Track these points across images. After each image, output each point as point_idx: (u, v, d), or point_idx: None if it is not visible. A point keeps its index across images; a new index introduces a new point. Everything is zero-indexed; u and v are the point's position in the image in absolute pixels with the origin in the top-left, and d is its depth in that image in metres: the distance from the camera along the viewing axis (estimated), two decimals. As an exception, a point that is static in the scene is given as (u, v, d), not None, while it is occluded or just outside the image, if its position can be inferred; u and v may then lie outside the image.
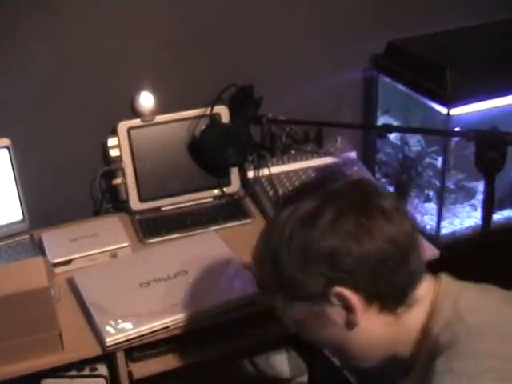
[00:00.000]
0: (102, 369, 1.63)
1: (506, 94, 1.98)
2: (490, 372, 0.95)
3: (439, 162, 2.07)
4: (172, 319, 1.55)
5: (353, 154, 2.14)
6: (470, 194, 2.17)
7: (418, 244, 1.08)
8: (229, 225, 1.93)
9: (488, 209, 1.63)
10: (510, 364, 0.96)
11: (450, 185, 2.12)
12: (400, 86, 2.11)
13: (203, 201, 2.02)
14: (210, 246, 1.79)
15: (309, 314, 1.08)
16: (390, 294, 1.06)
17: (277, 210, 1.12)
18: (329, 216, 1.04)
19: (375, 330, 1.08)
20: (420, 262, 1.08)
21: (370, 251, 1.03)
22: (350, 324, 1.07)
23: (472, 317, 1.03)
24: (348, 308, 1.05)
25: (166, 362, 1.64)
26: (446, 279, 1.12)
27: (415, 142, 2.18)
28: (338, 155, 2.12)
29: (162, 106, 1.97)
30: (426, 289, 1.09)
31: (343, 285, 1.03)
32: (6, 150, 1.80)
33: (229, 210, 1.98)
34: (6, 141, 1.79)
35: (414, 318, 1.08)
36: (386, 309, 1.07)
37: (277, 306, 1.12)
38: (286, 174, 2.05)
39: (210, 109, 1.97)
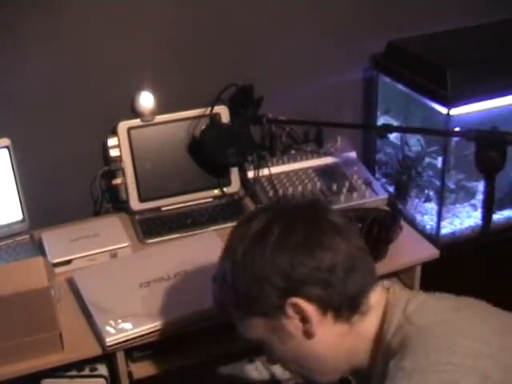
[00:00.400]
0: (102, 369, 1.63)
1: (506, 94, 1.98)
2: (445, 365, 0.98)
3: (439, 161, 2.07)
4: (172, 319, 1.55)
5: (353, 154, 2.14)
6: (470, 194, 2.17)
7: (367, 255, 1.14)
8: (229, 225, 1.92)
9: (488, 209, 1.63)
10: (460, 357, 0.98)
11: (450, 185, 2.12)
12: (400, 86, 2.11)
13: (203, 201, 2.02)
14: (209, 245, 1.78)
15: (267, 328, 1.12)
16: (344, 303, 1.09)
17: (232, 229, 1.19)
18: (278, 230, 1.08)
19: (333, 340, 1.11)
20: (371, 271, 1.14)
21: (322, 262, 1.06)
22: (308, 335, 1.10)
23: (421, 319, 1.07)
24: (304, 319, 1.09)
25: (167, 362, 1.64)
26: (396, 287, 1.17)
27: (415, 141, 2.18)
28: (338, 155, 2.12)
29: (162, 106, 1.97)
30: (378, 297, 1.13)
31: (297, 296, 1.07)
32: (5, 150, 1.80)
33: (229, 210, 1.98)
34: (6, 141, 1.79)
35: (367, 326, 1.12)
36: (341, 317, 1.10)
37: (237, 324, 1.16)
38: (286, 173, 2.06)
39: (210, 109, 1.97)
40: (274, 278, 1.07)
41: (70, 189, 1.99)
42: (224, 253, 1.16)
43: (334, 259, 1.07)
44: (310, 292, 1.07)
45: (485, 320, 1.09)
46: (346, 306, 1.09)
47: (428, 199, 2.16)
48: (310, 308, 1.07)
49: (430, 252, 1.84)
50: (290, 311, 1.08)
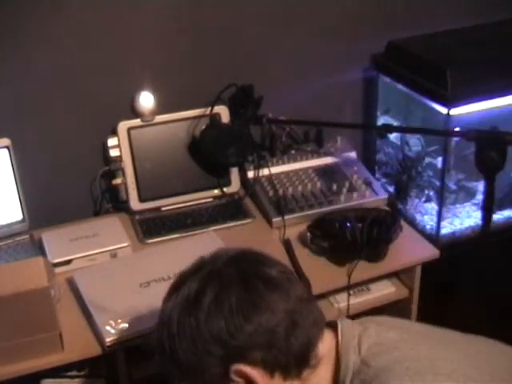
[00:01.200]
0: (102, 369, 1.63)
1: (506, 94, 1.98)
2: None
3: (439, 161, 2.07)
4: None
5: (353, 154, 2.14)
6: (470, 194, 2.17)
7: (311, 303, 1.08)
8: (229, 225, 1.93)
9: (488, 209, 1.63)
10: None
11: (450, 185, 2.12)
12: (400, 86, 2.11)
13: (203, 201, 2.02)
14: (209, 245, 1.78)
15: None
16: (291, 362, 1.03)
17: (163, 301, 1.13)
18: (210, 296, 1.03)
19: None
20: (316, 321, 1.07)
21: (260, 325, 1.01)
22: None
23: (377, 359, 1.02)
24: (251, 382, 1.03)
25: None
26: (343, 325, 1.10)
27: (415, 141, 2.18)
28: (338, 155, 2.12)
29: (162, 106, 1.97)
30: (327, 345, 1.08)
31: (240, 362, 1.02)
32: (5, 150, 1.80)
33: (229, 210, 1.98)
34: (6, 141, 1.79)
35: (320, 377, 1.07)
36: (290, 376, 1.04)
37: None
38: (286, 173, 2.05)
39: (210, 109, 1.97)
40: (212, 347, 1.02)
41: (70, 189, 1.99)
42: (159, 324, 1.11)
43: (272, 320, 1.01)
44: (252, 357, 1.01)
45: (439, 347, 1.06)
46: (293, 365, 1.04)
47: (428, 199, 2.16)
48: (254, 373, 1.02)
49: (429, 252, 1.84)
50: (235, 378, 1.03)
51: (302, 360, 1.04)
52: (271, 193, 1.98)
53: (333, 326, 1.11)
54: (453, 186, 2.13)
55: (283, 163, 2.08)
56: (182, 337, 1.04)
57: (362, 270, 1.74)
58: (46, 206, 1.95)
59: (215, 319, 1.02)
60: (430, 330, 1.14)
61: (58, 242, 1.80)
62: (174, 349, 1.05)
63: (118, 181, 1.95)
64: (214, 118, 1.96)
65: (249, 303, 1.02)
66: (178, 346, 1.05)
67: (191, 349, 1.04)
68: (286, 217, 1.89)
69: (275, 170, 2.05)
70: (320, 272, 1.73)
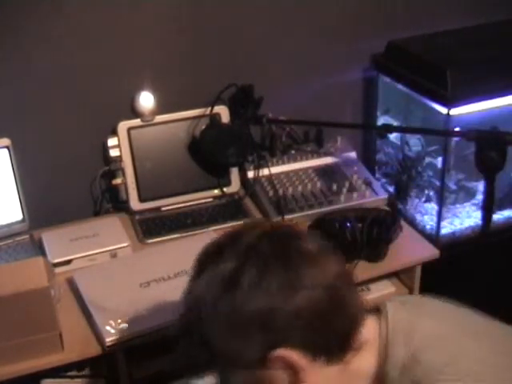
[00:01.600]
0: (102, 369, 1.63)
1: (506, 94, 1.98)
2: None
3: (439, 161, 2.07)
4: (172, 319, 1.54)
5: (353, 154, 2.14)
6: (470, 194, 2.17)
7: (352, 282, 1.03)
8: (229, 225, 1.92)
9: (488, 209, 1.63)
10: None
11: (450, 185, 2.12)
12: (400, 86, 2.11)
13: (203, 201, 2.02)
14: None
15: (255, 380, 0.99)
16: (334, 344, 0.98)
17: (190, 280, 1.05)
18: (250, 274, 0.95)
19: (327, 382, 1.00)
20: (358, 302, 1.01)
21: (302, 304, 0.94)
22: (300, 382, 0.97)
23: (428, 354, 0.96)
24: (291, 368, 0.96)
25: (166, 362, 1.63)
26: (392, 311, 1.03)
27: (415, 141, 2.18)
28: (338, 155, 2.12)
29: (162, 106, 1.97)
30: (372, 328, 1.02)
31: (281, 346, 0.95)
32: (5, 150, 1.80)
33: (229, 210, 1.98)
34: (6, 141, 1.79)
35: (365, 361, 1.01)
36: (333, 359, 0.98)
37: (219, 377, 1.04)
38: (286, 173, 2.05)
39: (210, 109, 1.97)
40: (250, 330, 0.94)
41: (70, 189, 1.99)
42: (188, 306, 1.02)
43: (314, 300, 0.95)
44: (292, 339, 0.95)
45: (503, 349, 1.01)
46: (336, 347, 0.98)
47: (428, 199, 2.16)
48: (295, 357, 0.95)
49: (429, 252, 1.84)
50: (274, 363, 0.96)
51: (344, 342, 0.98)
52: (271, 193, 1.98)
53: (377, 311, 1.04)
54: (453, 186, 2.13)
55: (283, 163, 2.08)
56: (216, 319, 0.96)
57: (362, 269, 1.74)
58: (46, 206, 1.94)
59: (254, 300, 0.94)
60: (491, 325, 1.07)
61: (58, 242, 1.80)
62: (207, 333, 0.97)
63: (117, 181, 1.95)
64: (214, 118, 1.96)
65: (289, 281, 0.95)
66: (212, 330, 0.97)
67: (227, 332, 0.96)
68: (286, 217, 1.89)
69: (275, 169, 2.05)
70: (320, 272, 1.73)
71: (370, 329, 1.01)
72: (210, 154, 1.94)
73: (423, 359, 0.96)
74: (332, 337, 0.97)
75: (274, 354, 0.95)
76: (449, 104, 1.91)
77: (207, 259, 1.02)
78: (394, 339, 1.00)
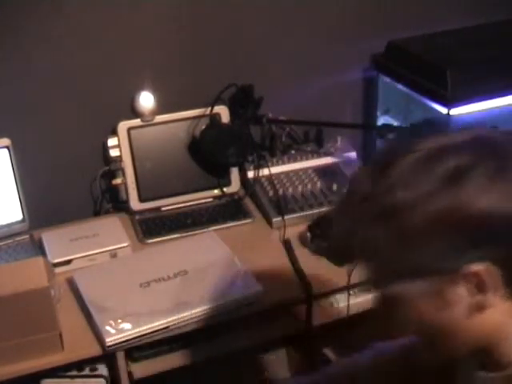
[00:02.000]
0: (102, 369, 1.63)
1: (506, 94, 1.97)
2: None
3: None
4: (172, 319, 1.55)
5: (353, 154, 2.14)
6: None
7: None
8: (229, 225, 1.93)
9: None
10: None
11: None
12: (400, 86, 2.11)
13: (203, 201, 2.02)
14: (209, 245, 1.79)
15: (424, 292, 0.86)
16: None
17: (392, 154, 0.87)
18: (486, 172, 0.81)
19: (499, 319, 0.87)
20: None
21: None
22: (480, 308, 0.85)
23: None
24: (480, 288, 0.83)
25: (166, 362, 1.64)
26: None
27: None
28: (338, 155, 2.12)
29: (162, 106, 1.97)
30: None
31: (483, 260, 0.81)
32: (5, 150, 1.80)
33: (229, 210, 1.98)
34: (6, 141, 1.79)
35: None
36: None
37: (378, 283, 0.91)
38: (286, 173, 2.05)
39: (210, 109, 1.97)
40: (462, 233, 0.81)
41: (70, 189, 1.99)
42: (390, 179, 0.84)
43: None
44: (500, 253, 0.81)
45: None
46: None
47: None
48: (497, 276, 0.82)
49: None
50: (466, 277, 0.82)
51: None
52: (271, 193, 1.98)
53: None
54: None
55: (283, 163, 2.08)
56: (426, 213, 0.81)
57: (362, 270, 1.73)
58: (46, 206, 1.94)
59: (483, 200, 0.80)
60: None
61: (58, 242, 1.80)
62: (411, 218, 0.82)
63: (117, 181, 1.95)
64: (214, 118, 1.96)
65: None
66: (420, 217, 0.82)
67: (432, 231, 0.81)
68: (286, 217, 1.89)
69: (275, 169, 2.05)
70: (320, 272, 1.73)
71: None
72: (210, 154, 1.94)
73: None
74: None
75: (472, 267, 0.82)
76: (449, 104, 1.91)
77: (433, 154, 0.85)
78: None
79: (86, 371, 1.63)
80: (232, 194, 2.04)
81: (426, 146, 0.85)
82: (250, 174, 2.03)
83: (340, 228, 0.92)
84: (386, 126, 2.00)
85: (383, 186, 0.85)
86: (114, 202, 2.03)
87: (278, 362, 1.99)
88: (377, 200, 0.85)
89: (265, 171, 2.03)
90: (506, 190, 0.81)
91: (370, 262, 0.90)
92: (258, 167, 2.03)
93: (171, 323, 1.54)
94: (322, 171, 2.07)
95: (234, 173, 2.04)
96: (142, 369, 1.62)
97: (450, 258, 0.82)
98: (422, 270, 0.84)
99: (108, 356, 1.56)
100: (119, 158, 1.93)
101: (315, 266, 1.75)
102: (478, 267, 0.82)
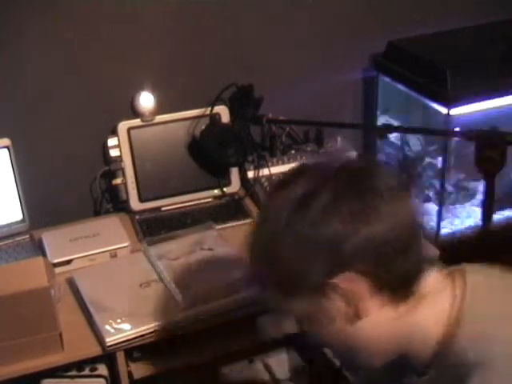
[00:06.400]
0: (102, 369, 1.63)
1: (506, 94, 1.98)
2: None
3: (439, 161, 2.07)
4: (172, 319, 1.55)
5: (353, 154, 2.14)
6: (470, 194, 2.17)
7: (419, 229, 0.99)
8: (229, 225, 1.93)
9: (488, 209, 1.63)
10: None
11: (450, 185, 2.12)
12: (400, 86, 2.11)
13: (203, 201, 2.02)
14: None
15: (313, 307, 0.97)
16: (397, 282, 0.96)
17: (268, 196, 1.04)
18: (328, 194, 0.94)
19: (384, 323, 0.98)
20: (423, 250, 0.99)
21: (378, 232, 0.92)
22: (358, 315, 0.96)
23: (506, 328, 0.93)
24: (354, 298, 0.95)
25: (166, 362, 1.64)
26: (471, 275, 1.01)
27: (415, 141, 2.18)
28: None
29: (162, 106, 1.97)
30: (438, 284, 1.00)
31: (349, 270, 0.93)
32: (6, 150, 1.80)
33: (229, 210, 1.98)
34: (6, 141, 1.79)
35: (427, 315, 0.98)
36: (396, 298, 0.96)
37: (275, 303, 1.02)
38: (286, 174, 2.05)
39: (210, 109, 1.97)
40: (321, 252, 0.93)
41: (70, 189, 1.99)
42: (262, 219, 1.01)
43: (390, 230, 0.93)
44: (361, 267, 0.93)
45: None
46: (399, 286, 0.96)
47: (428, 199, 2.16)
48: (360, 286, 0.94)
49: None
50: (338, 289, 0.94)
51: (408, 284, 0.96)
52: (271, 193, 1.98)
53: (456, 270, 1.02)
54: (453, 186, 2.13)
55: (283, 163, 2.08)
56: (290, 234, 0.95)
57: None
58: (46, 206, 1.95)
59: (328, 223, 0.92)
60: None
61: (58, 242, 1.80)
62: (279, 248, 0.96)
63: (117, 181, 1.95)
64: (214, 118, 1.96)
65: (371, 207, 0.93)
66: (284, 245, 0.95)
67: (299, 249, 0.94)
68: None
69: (275, 170, 2.04)
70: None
71: (436, 284, 0.99)
72: (209, 154, 1.94)
73: (501, 335, 0.93)
74: (395, 275, 0.95)
75: (336, 279, 0.93)
76: (449, 104, 1.91)
77: (279, 185, 1.01)
78: (470, 307, 0.96)
79: (86, 371, 1.63)
80: (232, 194, 2.04)
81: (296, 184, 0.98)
82: (250, 174, 2.03)
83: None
84: (386, 126, 2.00)
85: (259, 221, 1.02)
86: (114, 202, 2.03)
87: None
88: (255, 236, 1.01)
89: (265, 171, 2.03)
90: (343, 216, 0.93)
91: (267, 289, 1.01)
92: (257, 167, 2.03)
93: (171, 323, 1.54)
94: (322, 171, 2.07)
95: (234, 173, 2.04)
96: (141, 369, 1.62)
97: (318, 275, 0.94)
98: (301, 286, 0.96)
99: (108, 356, 1.56)
100: (119, 158, 1.93)
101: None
102: (343, 278, 0.93)
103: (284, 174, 1.03)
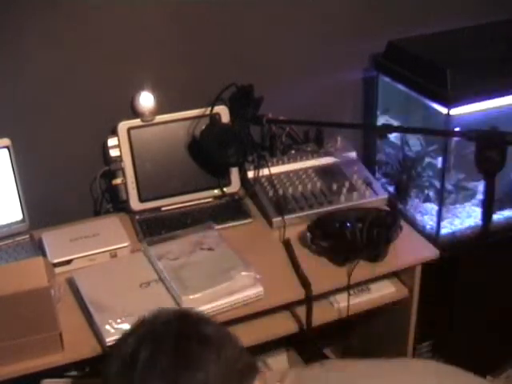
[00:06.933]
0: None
1: (506, 94, 1.97)
2: None
3: (439, 161, 2.07)
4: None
5: (353, 154, 2.14)
6: (470, 194, 2.17)
7: (244, 362, 1.12)
8: (229, 225, 1.93)
9: (488, 209, 1.63)
10: None
11: (450, 185, 2.12)
12: (400, 86, 2.11)
13: (203, 201, 2.02)
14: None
15: None
16: None
17: (110, 354, 1.18)
18: (145, 355, 1.05)
19: None
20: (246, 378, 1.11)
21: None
22: None
23: None
24: None
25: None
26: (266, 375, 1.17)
27: (415, 141, 2.18)
28: (338, 155, 2.12)
29: (162, 106, 1.97)
30: None
31: None
32: (6, 150, 1.80)
33: (229, 210, 1.98)
34: (6, 141, 1.79)
35: None
36: None
37: None
38: (286, 174, 2.05)
39: (210, 109, 1.97)
40: None
41: (69, 189, 1.99)
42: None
43: (204, 380, 1.05)
44: None
45: None
46: None
47: (428, 199, 2.16)
48: None
49: (429, 252, 1.84)
50: None
51: None
52: (271, 193, 1.98)
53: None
54: (453, 186, 2.13)
55: (283, 163, 2.08)
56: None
57: (362, 269, 1.74)
58: (46, 206, 1.95)
59: (149, 379, 1.05)
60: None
61: (58, 242, 1.80)
62: None
63: (117, 181, 1.95)
64: (214, 118, 1.96)
65: (181, 363, 1.05)
66: None
67: None
68: (286, 217, 1.89)
69: (275, 169, 2.05)
70: (320, 272, 1.73)
71: None
72: (209, 154, 1.94)
73: None
74: None
75: None
76: (449, 104, 1.91)
77: (119, 339, 1.17)
78: None
79: (86, 371, 1.63)
80: (232, 194, 2.04)
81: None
82: (250, 174, 2.03)
83: None
84: (386, 126, 2.00)
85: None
86: (114, 202, 2.03)
87: (278, 362, 1.98)
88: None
89: (265, 171, 2.03)
90: (162, 373, 1.05)
91: None
92: (257, 167, 2.03)
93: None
94: (321, 171, 2.07)
95: (234, 173, 2.04)
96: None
97: None
98: None
99: (108, 356, 1.56)
100: (119, 158, 1.93)
101: (315, 265, 1.75)
102: None
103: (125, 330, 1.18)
